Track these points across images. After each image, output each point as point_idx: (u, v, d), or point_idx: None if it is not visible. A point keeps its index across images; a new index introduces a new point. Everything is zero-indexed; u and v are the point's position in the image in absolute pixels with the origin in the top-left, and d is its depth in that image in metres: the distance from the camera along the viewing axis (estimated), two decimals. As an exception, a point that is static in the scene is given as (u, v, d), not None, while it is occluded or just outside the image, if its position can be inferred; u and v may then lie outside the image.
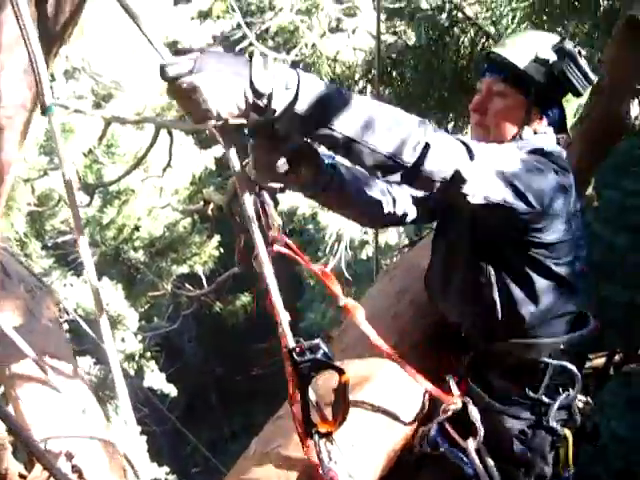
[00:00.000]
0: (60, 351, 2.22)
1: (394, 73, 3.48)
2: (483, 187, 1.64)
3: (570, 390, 2.00)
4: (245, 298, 10.08)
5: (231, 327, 10.80)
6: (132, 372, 11.59)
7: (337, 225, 10.07)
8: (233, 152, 1.46)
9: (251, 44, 10.02)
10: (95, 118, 6.48)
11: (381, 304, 2.32)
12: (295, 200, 11.32)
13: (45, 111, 1.18)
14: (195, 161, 9.50)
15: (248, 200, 1.49)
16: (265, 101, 1.35)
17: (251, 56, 1.36)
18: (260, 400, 10.77)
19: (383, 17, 4.29)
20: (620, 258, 5.54)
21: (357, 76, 3.84)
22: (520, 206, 1.70)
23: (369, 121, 1.44)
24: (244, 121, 1.38)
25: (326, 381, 1.66)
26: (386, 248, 9.53)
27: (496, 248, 1.89)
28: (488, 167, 1.66)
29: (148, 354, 11.85)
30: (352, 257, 10.56)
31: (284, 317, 1.53)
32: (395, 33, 3.68)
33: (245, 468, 1.91)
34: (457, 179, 1.58)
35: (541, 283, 1.89)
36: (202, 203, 6.77)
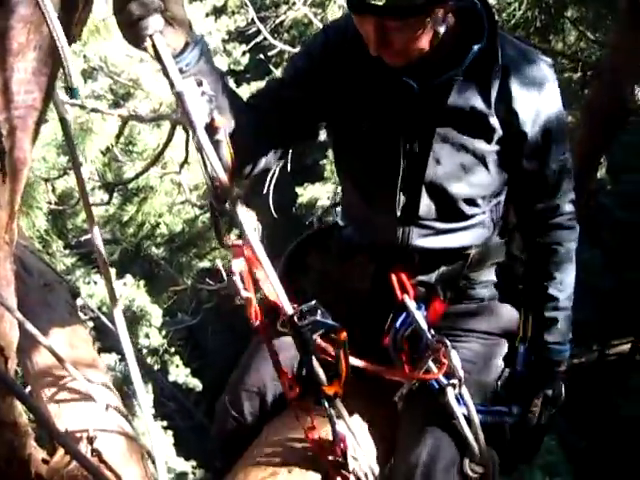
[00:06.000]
0: (78, 341, 2.30)
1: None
2: None
3: None
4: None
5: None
6: (156, 367, 11.71)
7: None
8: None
9: (265, 38, 10.06)
10: (113, 117, 6.58)
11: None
12: (315, 192, 11.38)
13: (72, 93, 1.28)
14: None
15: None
16: None
17: None
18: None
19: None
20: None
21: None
22: None
23: None
24: None
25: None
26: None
27: None
28: None
29: (172, 349, 11.96)
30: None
31: (276, 282, 1.55)
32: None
33: (256, 453, 1.97)
34: None
35: None
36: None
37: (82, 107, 6.47)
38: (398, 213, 1.95)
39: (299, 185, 11.79)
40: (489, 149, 1.89)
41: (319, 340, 1.54)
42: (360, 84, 1.90)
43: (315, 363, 1.55)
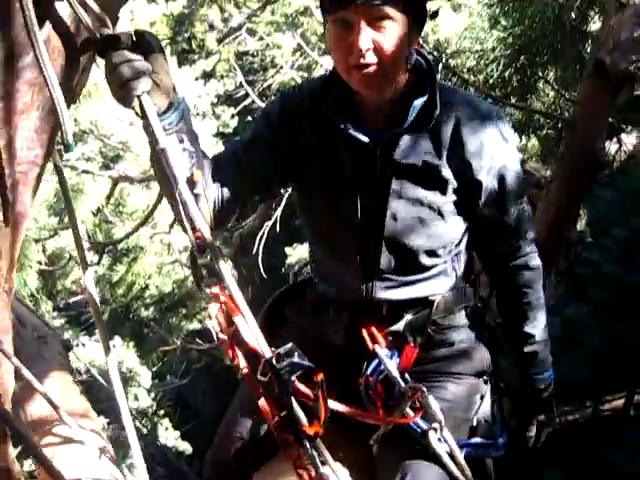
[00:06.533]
0: (70, 392, 2.34)
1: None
2: None
3: None
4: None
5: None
6: (145, 430, 11.53)
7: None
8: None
9: (254, 102, 10.30)
10: (103, 178, 6.69)
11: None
12: (304, 252, 11.46)
13: (67, 148, 1.40)
14: (201, 217, 9.67)
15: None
16: None
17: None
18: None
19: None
20: (632, 296, 5.55)
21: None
22: None
23: None
24: None
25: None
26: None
27: None
28: None
29: (161, 412, 11.81)
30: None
31: (254, 327, 1.61)
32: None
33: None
34: None
35: None
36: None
37: (73, 168, 6.60)
38: (359, 268, 2.02)
39: (288, 245, 11.87)
40: (445, 200, 1.94)
41: (297, 382, 1.58)
42: (316, 145, 1.99)
43: (294, 404, 1.59)
